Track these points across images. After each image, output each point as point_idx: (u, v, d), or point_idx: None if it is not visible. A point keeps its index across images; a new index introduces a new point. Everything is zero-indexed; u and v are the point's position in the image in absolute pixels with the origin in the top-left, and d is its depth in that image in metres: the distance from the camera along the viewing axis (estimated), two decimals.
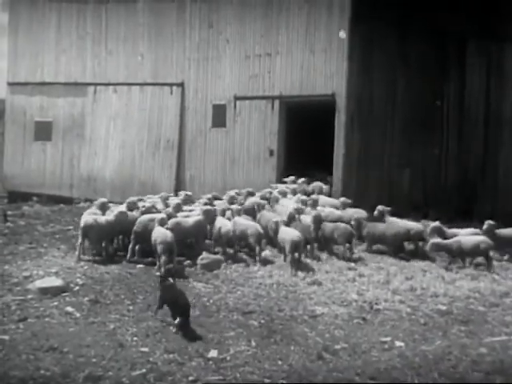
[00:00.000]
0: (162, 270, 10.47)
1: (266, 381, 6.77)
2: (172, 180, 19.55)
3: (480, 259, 11.82)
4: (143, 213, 12.23)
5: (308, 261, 11.67)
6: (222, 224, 12.06)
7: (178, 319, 8.07)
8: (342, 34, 15.86)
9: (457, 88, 18.66)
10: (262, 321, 8.65)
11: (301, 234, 11.41)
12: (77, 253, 11.72)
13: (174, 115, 19.62)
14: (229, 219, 12.45)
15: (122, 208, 12.61)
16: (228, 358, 7.30)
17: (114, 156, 20.70)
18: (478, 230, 12.41)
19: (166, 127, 19.80)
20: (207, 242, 12.47)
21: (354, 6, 16.21)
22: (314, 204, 13.76)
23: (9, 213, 16.87)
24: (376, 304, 9.44)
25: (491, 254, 11.84)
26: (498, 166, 19.11)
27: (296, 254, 11.35)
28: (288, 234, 11.52)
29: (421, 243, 12.69)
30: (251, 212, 13.38)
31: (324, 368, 7.09)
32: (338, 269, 11.27)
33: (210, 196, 14.45)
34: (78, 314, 8.71)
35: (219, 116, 18.75)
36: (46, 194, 21.38)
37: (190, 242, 12.23)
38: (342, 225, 12.30)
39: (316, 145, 19.29)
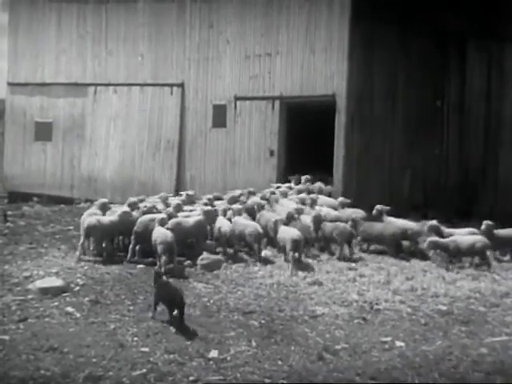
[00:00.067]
0: (163, 270, 10.52)
1: (267, 381, 6.76)
2: (172, 180, 19.55)
3: (479, 259, 11.81)
4: (144, 213, 12.23)
5: (309, 261, 11.68)
6: (222, 224, 12.07)
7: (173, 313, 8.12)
8: None
9: (457, 88, 18.67)
10: (263, 321, 8.64)
11: (301, 233, 11.43)
12: (77, 253, 11.72)
13: (175, 115, 19.63)
14: (230, 219, 12.46)
15: (126, 208, 12.59)
16: (228, 358, 7.29)
17: (115, 156, 20.70)
18: (475, 230, 12.42)
19: (166, 128, 19.80)
20: (208, 242, 12.46)
21: (354, 4, 16.21)
22: (313, 203, 13.77)
23: (9, 213, 16.89)
24: (376, 304, 9.43)
25: (489, 253, 11.86)
26: (498, 166, 19.11)
27: (296, 254, 11.35)
28: (288, 234, 11.53)
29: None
30: (252, 211, 13.38)
31: (324, 368, 7.09)
32: (338, 269, 11.27)
33: (210, 196, 14.44)
34: (78, 314, 8.70)
35: (219, 116, 18.75)
36: (47, 195, 21.38)
37: (190, 242, 12.22)
38: (342, 224, 12.30)
39: (316, 145, 19.29)
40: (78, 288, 9.88)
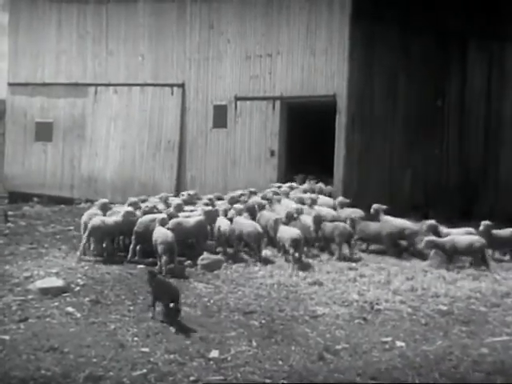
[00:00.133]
0: (163, 270, 10.53)
1: (267, 381, 6.76)
2: (173, 181, 19.55)
3: (475, 259, 11.80)
4: (145, 213, 12.23)
5: (310, 260, 11.68)
6: (221, 223, 12.08)
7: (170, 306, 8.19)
8: None
9: (458, 88, 18.65)
10: (263, 321, 8.64)
11: (300, 233, 11.44)
12: (78, 253, 11.73)
13: (175, 116, 19.63)
14: (231, 219, 12.46)
15: (129, 208, 12.59)
16: (229, 358, 7.29)
17: (115, 157, 20.71)
18: (472, 230, 12.41)
19: (166, 128, 19.80)
20: (210, 242, 12.46)
21: (354, 4, 16.20)
22: (313, 203, 13.79)
23: (9, 213, 16.88)
24: (377, 304, 9.43)
25: (489, 253, 11.87)
26: (498, 166, 19.11)
27: (296, 254, 11.36)
28: (287, 233, 11.55)
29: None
30: (253, 211, 13.39)
31: (325, 368, 7.08)
32: (338, 269, 11.26)
33: (211, 196, 14.44)
34: (78, 315, 8.70)
35: (220, 117, 18.75)
36: (47, 195, 21.40)
37: (190, 243, 12.21)
38: (342, 224, 12.30)
39: (317, 145, 19.30)
40: (78, 288, 9.88)
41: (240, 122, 18.41)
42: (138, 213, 12.32)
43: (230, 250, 11.95)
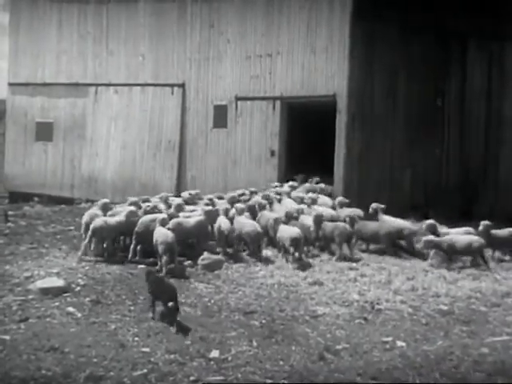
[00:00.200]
0: (164, 270, 10.53)
1: (268, 381, 6.76)
2: (173, 181, 19.55)
3: (473, 259, 11.80)
4: (146, 213, 12.24)
5: (310, 260, 11.68)
6: (221, 222, 12.07)
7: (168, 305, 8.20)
8: None
9: (458, 87, 18.64)
10: (264, 321, 8.65)
11: (300, 232, 11.44)
12: (79, 253, 11.73)
13: (175, 116, 19.63)
14: (232, 218, 12.46)
15: (132, 207, 12.58)
16: (229, 359, 7.29)
17: (115, 157, 20.71)
18: (470, 229, 12.41)
19: (167, 128, 19.81)
20: (211, 242, 12.45)
21: (355, 2, 16.19)
22: (313, 203, 13.79)
23: (10, 213, 16.87)
24: (377, 304, 9.42)
25: (489, 253, 11.87)
26: (498, 166, 19.11)
27: (296, 254, 11.36)
28: (287, 232, 11.55)
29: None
30: (254, 210, 13.39)
31: (325, 368, 7.08)
32: (339, 269, 11.26)
33: (212, 196, 14.44)
34: (79, 315, 8.70)
35: (220, 117, 18.75)
36: (47, 195, 21.41)
37: (191, 243, 12.22)
38: (342, 224, 12.30)
39: (317, 145, 19.29)
40: (78, 288, 9.88)
41: (240, 121, 18.41)
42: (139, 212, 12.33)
43: (229, 250, 11.95)
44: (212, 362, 7.17)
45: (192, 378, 6.73)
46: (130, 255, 11.66)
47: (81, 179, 21.32)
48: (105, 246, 11.86)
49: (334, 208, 14.00)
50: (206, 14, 18.98)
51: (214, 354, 7.39)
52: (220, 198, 14.62)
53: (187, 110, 19.46)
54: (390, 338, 8.07)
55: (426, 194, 17.88)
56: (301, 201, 14.07)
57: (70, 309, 8.90)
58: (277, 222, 12.11)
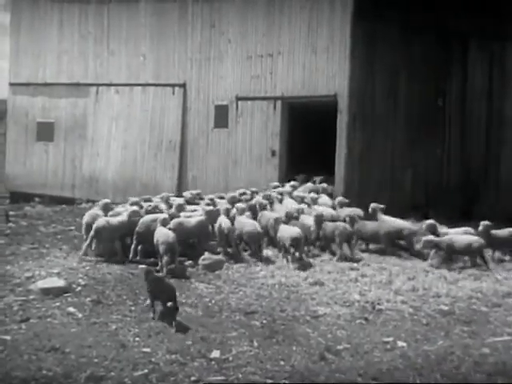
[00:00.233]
0: (165, 270, 10.54)
1: (268, 381, 6.76)
2: (174, 181, 19.54)
3: (471, 259, 11.80)
4: (148, 212, 12.23)
5: (311, 260, 11.68)
6: (221, 221, 12.07)
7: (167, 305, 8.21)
8: None
9: (458, 87, 18.63)
10: (264, 321, 8.65)
11: (301, 232, 11.44)
12: (81, 253, 11.74)
13: (176, 116, 19.63)
14: (233, 218, 12.46)
15: (135, 207, 12.57)
16: (230, 359, 7.30)
17: (116, 157, 20.71)
18: (470, 229, 12.40)
19: (168, 128, 19.80)
20: (212, 242, 12.45)
21: (356, 1, 16.16)
22: (314, 203, 13.79)
23: (11, 213, 16.88)
24: (378, 304, 9.43)
25: (489, 253, 11.88)
26: (499, 166, 19.10)
27: (297, 254, 11.36)
28: (287, 232, 11.54)
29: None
30: (255, 210, 13.39)
31: (326, 368, 7.08)
32: (340, 269, 11.26)
33: (212, 196, 14.44)
34: (80, 315, 8.71)
35: (221, 117, 18.74)
36: (48, 195, 21.40)
37: (192, 243, 12.22)
38: (342, 224, 12.29)
39: (318, 145, 19.28)
40: (79, 288, 9.89)
41: (241, 121, 18.41)
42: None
43: (230, 250, 11.96)
44: (213, 362, 7.18)
45: (193, 379, 6.74)
46: (130, 255, 11.66)
47: (82, 179, 21.32)
48: (116, 246, 11.83)
49: (334, 208, 14.00)
50: (207, 14, 18.98)
51: (215, 354, 7.40)
52: (222, 198, 14.63)
53: (188, 109, 19.45)
54: (390, 339, 8.07)
55: (427, 194, 17.87)
56: (301, 200, 14.10)
57: (71, 309, 8.90)
58: (277, 221, 12.11)
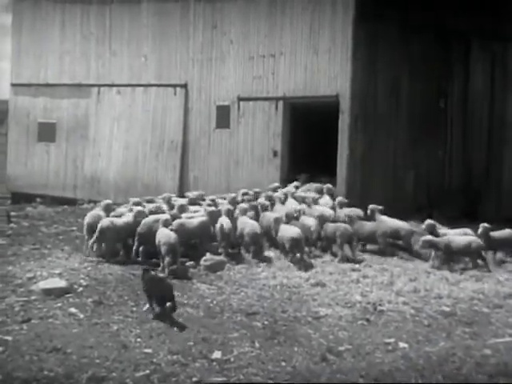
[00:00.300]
0: (166, 271, 10.54)
1: (270, 382, 6.77)
2: (176, 181, 19.54)
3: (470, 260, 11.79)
4: (151, 213, 12.23)
5: (312, 261, 11.67)
6: (223, 223, 12.07)
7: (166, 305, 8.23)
8: None
9: (460, 88, 18.61)
10: (266, 322, 8.65)
11: (301, 232, 11.43)
12: (82, 253, 11.75)
13: (178, 116, 19.62)
14: (235, 219, 12.46)
15: (139, 207, 12.57)
16: (232, 360, 7.30)
17: (118, 157, 20.70)
18: (468, 230, 12.39)
19: (169, 128, 19.80)
20: (214, 243, 12.45)
21: (358, 3, 16.18)
22: (314, 203, 13.79)
23: (12, 214, 16.89)
24: (380, 305, 9.43)
25: (489, 254, 11.89)
26: (502, 166, 19.08)
27: (298, 254, 11.36)
28: (287, 232, 11.54)
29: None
30: (257, 210, 13.38)
31: (328, 369, 7.08)
32: (341, 270, 11.26)
33: (214, 197, 14.44)
34: (81, 315, 8.71)
35: (223, 117, 18.73)
36: (50, 195, 21.39)
37: (194, 243, 12.22)
38: (343, 225, 12.28)
39: (320, 146, 19.27)
40: (81, 289, 9.90)
41: (243, 122, 18.40)
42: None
43: (231, 251, 11.96)
44: (214, 363, 7.18)
45: (194, 379, 6.74)
46: (132, 256, 11.65)
47: (83, 180, 21.31)
48: (121, 247, 11.84)
49: (334, 208, 13.98)
50: (209, 15, 18.97)
51: (217, 354, 7.40)
52: (224, 198, 14.63)
53: (190, 110, 19.44)
54: (392, 340, 8.07)
55: (429, 195, 17.86)
56: (302, 200, 14.09)
57: (73, 309, 8.91)
58: (277, 221, 12.11)
